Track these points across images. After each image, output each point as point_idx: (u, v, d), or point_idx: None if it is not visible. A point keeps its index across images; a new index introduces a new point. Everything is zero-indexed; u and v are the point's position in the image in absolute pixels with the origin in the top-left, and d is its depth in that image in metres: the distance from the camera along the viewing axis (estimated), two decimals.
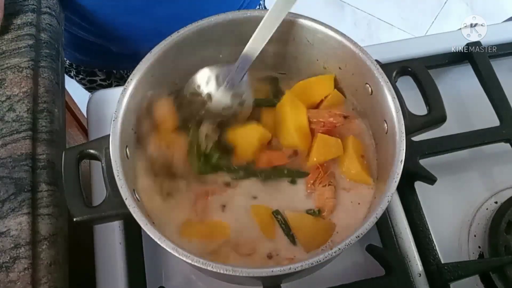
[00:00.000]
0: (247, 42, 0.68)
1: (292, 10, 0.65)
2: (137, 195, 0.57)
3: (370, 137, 0.66)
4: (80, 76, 1.12)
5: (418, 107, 0.62)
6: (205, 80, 0.63)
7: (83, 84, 1.16)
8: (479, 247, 0.70)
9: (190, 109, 0.64)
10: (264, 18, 0.60)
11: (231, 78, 0.62)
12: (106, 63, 1.09)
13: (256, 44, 0.61)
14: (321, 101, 0.67)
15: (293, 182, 0.63)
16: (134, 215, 0.52)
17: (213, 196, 0.62)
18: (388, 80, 0.59)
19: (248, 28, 0.66)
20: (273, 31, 0.60)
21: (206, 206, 0.61)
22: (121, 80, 1.14)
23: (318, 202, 0.62)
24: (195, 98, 0.64)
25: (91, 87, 1.16)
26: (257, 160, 0.64)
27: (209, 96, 0.63)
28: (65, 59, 1.08)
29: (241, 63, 0.62)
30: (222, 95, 0.63)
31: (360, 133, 0.66)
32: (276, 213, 0.61)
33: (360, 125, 0.67)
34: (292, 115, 0.64)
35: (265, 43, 0.61)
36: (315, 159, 0.63)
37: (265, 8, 1.13)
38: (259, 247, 0.59)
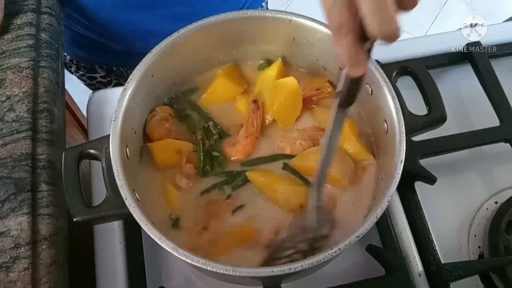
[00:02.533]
0: (248, 42, 0.68)
1: (292, 10, 0.65)
2: (137, 195, 0.57)
3: (370, 136, 0.66)
4: (80, 72, 1.12)
5: (418, 107, 0.62)
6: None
7: (83, 80, 1.16)
8: (479, 247, 0.70)
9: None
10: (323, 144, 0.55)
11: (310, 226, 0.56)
12: (106, 61, 1.09)
13: (322, 174, 0.54)
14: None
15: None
16: (134, 215, 0.52)
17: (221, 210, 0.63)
18: (388, 80, 0.59)
19: (248, 28, 0.66)
20: (333, 156, 0.53)
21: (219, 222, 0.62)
22: (121, 78, 1.14)
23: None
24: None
25: (91, 83, 1.16)
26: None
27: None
28: (65, 54, 1.08)
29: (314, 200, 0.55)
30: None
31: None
32: (284, 166, 0.63)
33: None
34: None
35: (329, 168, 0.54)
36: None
37: (267, 9, 1.12)
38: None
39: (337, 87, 0.46)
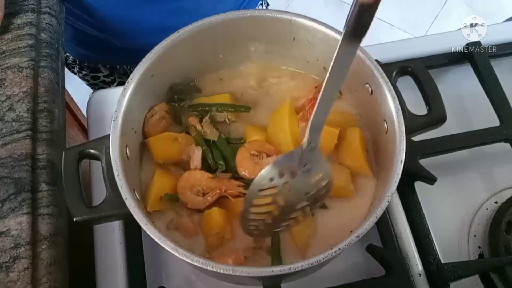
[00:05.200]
0: (247, 42, 0.68)
1: (292, 10, 0.65)
2: (137, 195, 0.57)
3: (369, 135, 0.66)
4: (84, 72, 1.12)
5: (418, 107, 0.62)
6: (275, 174, 0.54)
7: (86, 81, 1.16)
8: (479, 247, 0.70)
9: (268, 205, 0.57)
10: (323, 87, 0.49)
11: (304, 160, 0.53)
12: (109, 58, 1.09)
13: (320, 115, 0.51)
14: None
15: None
16: (134, 215, 0.52)
17: None
18: (388, 80, 0.59)
19: (247, 28, 0.66)
20: (335, 96, 0.50)
21: None
22: (124, 76, 1.13)
23: None
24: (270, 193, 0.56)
25: (94, 83, 1.16)
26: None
27: (286, 185, 0.55)
28: (68, 54, 1.08)
29: (310, 138, 0.52)
30: (300, 181, 0.55)
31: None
32: None
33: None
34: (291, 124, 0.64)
35: (329, 110, 0.51)
36: None
37: (267, 5, 1.12)
38: None
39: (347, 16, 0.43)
